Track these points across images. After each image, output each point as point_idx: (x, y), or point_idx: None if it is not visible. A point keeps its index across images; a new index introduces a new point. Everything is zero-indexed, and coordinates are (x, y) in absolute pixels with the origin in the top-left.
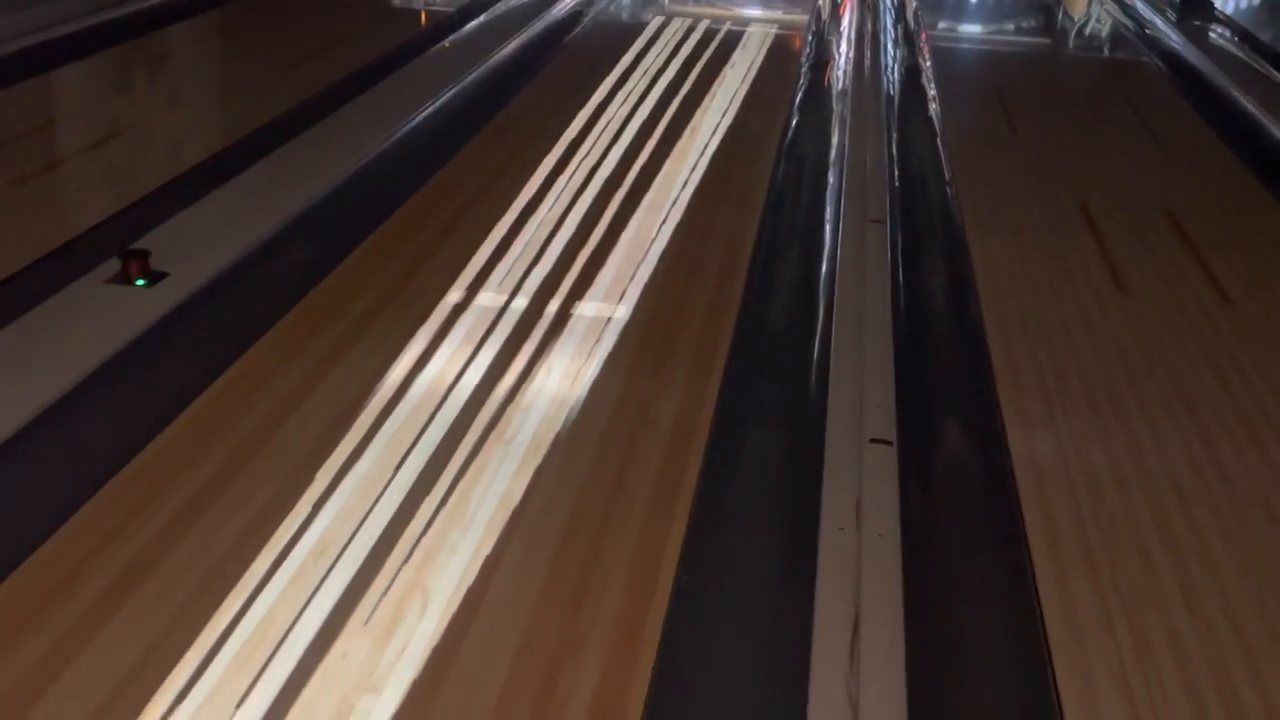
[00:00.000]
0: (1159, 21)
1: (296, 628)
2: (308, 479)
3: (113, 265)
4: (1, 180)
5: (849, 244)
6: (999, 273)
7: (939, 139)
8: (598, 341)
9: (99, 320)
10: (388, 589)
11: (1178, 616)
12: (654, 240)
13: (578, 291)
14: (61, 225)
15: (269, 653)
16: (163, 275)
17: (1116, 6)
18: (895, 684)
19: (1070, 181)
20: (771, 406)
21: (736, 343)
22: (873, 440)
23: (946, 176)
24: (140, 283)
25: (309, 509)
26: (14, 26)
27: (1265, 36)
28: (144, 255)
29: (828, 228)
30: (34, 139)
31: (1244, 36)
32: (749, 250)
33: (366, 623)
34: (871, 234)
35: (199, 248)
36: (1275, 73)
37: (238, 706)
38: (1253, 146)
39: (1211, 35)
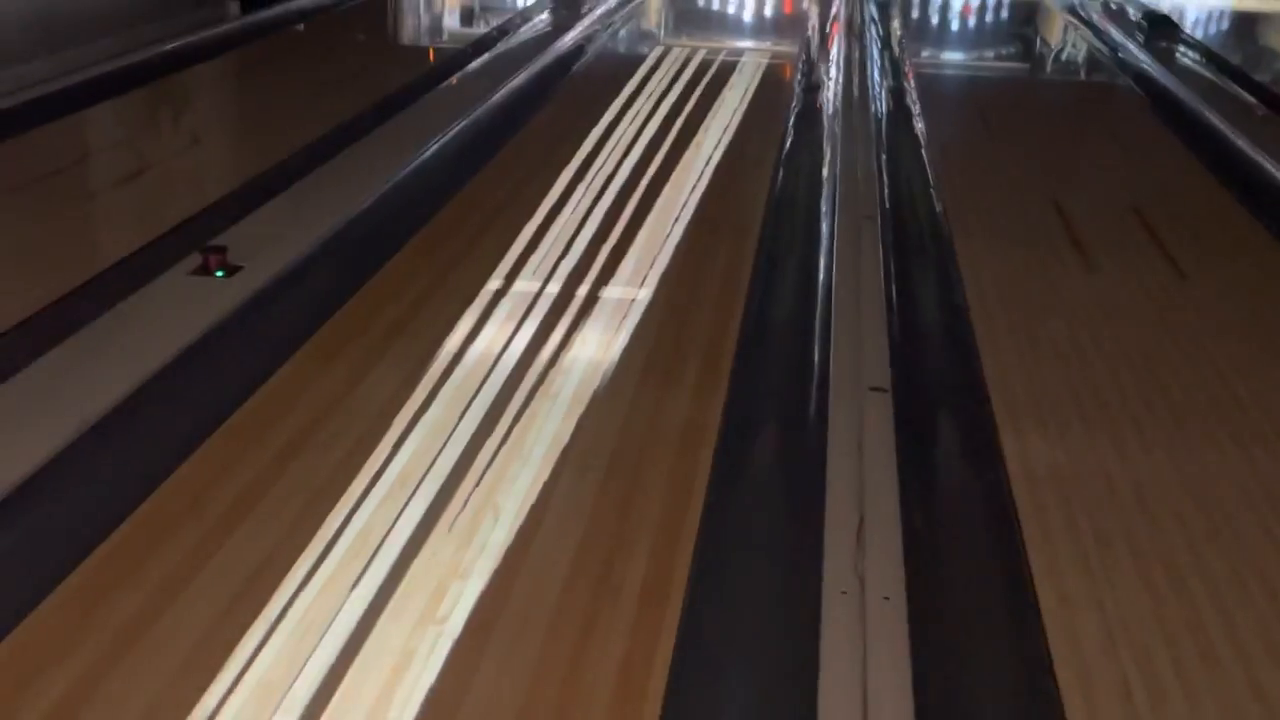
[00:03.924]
0: (1129, 44)
1: (391, 534)
2: (386, 424)
3: (194, 259)
4: (101, 183)
5: (844, 239)
6: (980, 259)
7: (923, 149)
8: (625, 317)
9: (186, 306)
10: (463, 507)
11: (1132, 518)
12: (669, 234)
13: (604, 278)
14: (149, 225)
15: (371, 552)
16: (238, 268)
17: (1089, 31)
18: None
19: (1045, 184)
20: (777, 362)
21: (747, 315)
22: (872, 389)
23: (931, 180)
24: (219, 274)
25: (390, 448)
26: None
27: (1225, 54)
28: (221, 250)
29: (824, 224)
30: (115, 153)
31: (1206, 55)
32: (756, 234)
33: (450, 530)
34: (865, 229)
35: (269, 245)
36: (1234, 86)
37: (352, 588)
38: (1212, 151)
39: (1177, 54)
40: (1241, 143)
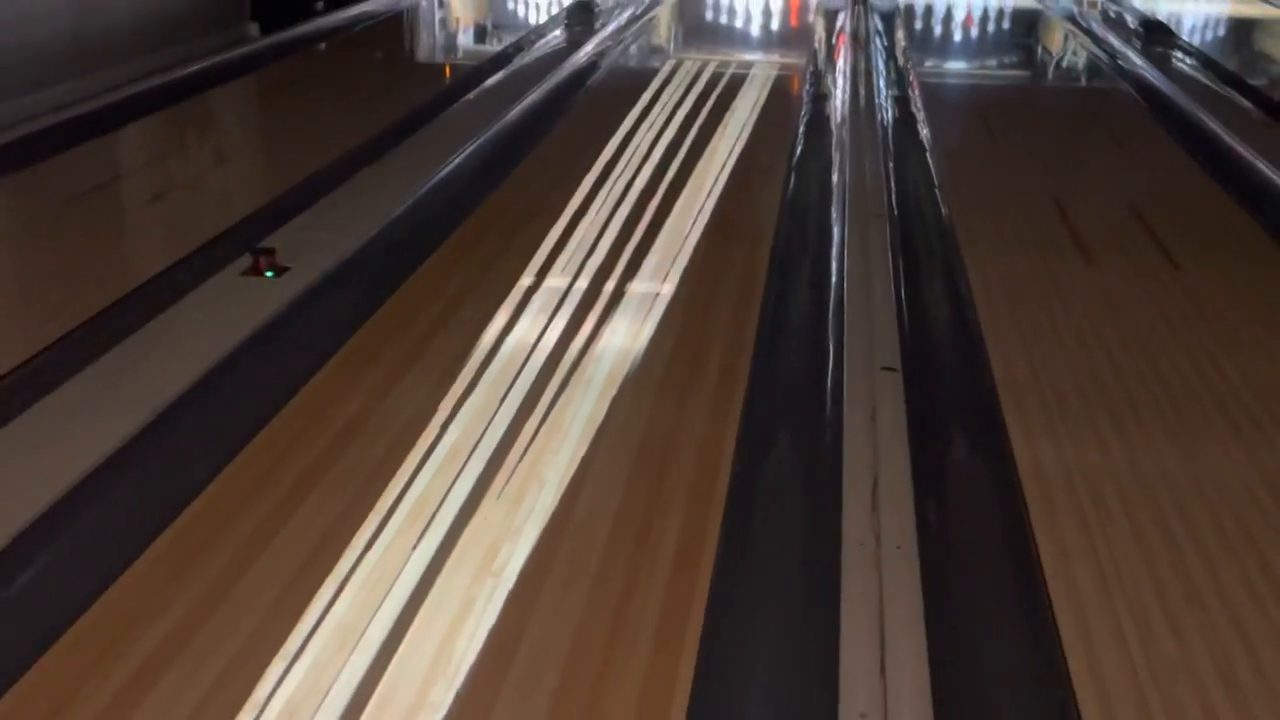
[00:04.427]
0: (1127, 49)
1: (446, 501)
2: (435, 406)
3: (245, 260)
4: (157, 192)
5: (854, 234)
6: (983, 251)
7: (928, 152)
8: (651, 309)
9: (241, 303)
10: (510, 478)
11: (1124, 479)
12: (689, 234)
13: (629, 274)
14: (201, 228)
15: (429, 517)
16: (286, 269)
17: (1089, 39)
18: None
19: (1045, 183)
20: (794, 350)
21: (765, 304)
22: (884, 369)
23: (936, 180)
24: (269, 274)
25: (439, 428)
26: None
27: (1218, 57)
28: (271, 252)
29: (834, 222)
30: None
31: (1200, 58)
32: (771, 232)
33: (499, 498)
34: (873, 226)
35: (316, 248)
36: (1225, 88)
37: (413, 549)
38: (1206, 149)
39: (1173, 58)
40: (1233, 142)
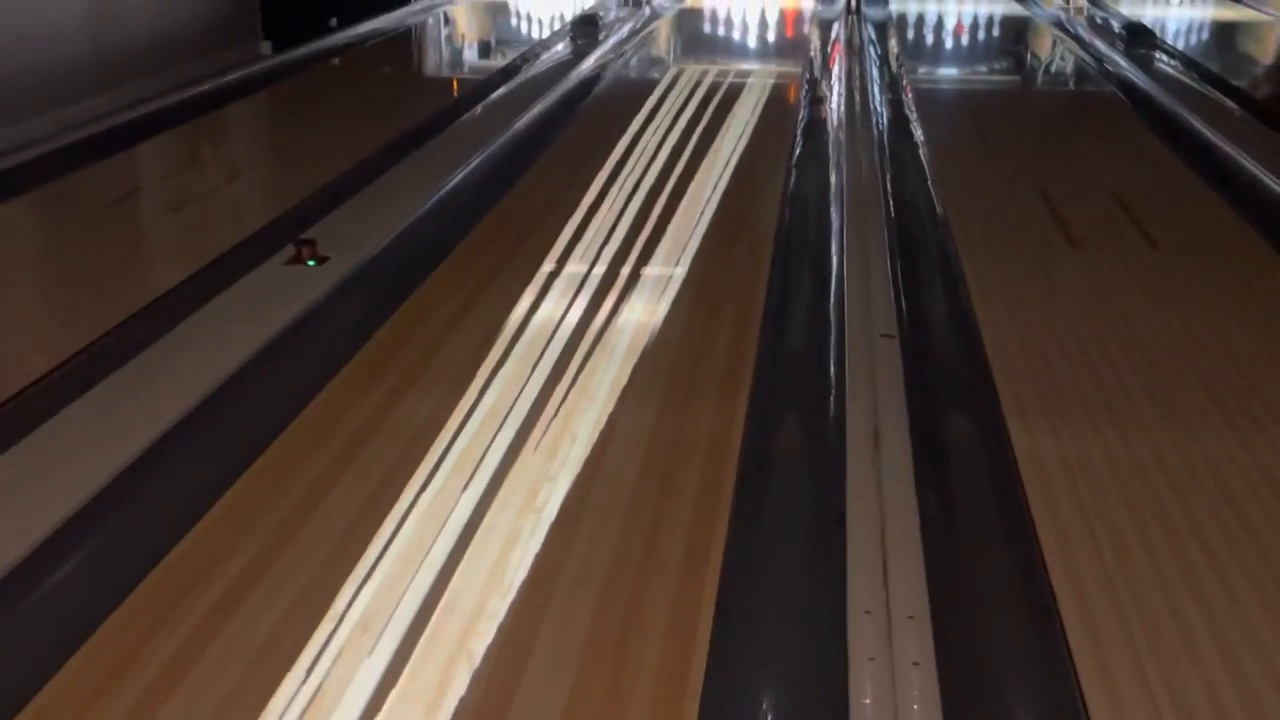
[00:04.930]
0: (1111, 52)
1: (488, 453)
2: (470, 375)
3: (288, 251)
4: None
5: (852, 224)
6: (973, 237)
7: (920, 149)
8: (664, 290)
9: (287, 289)
10: (545, 432)
11: (1105, 432)
12: (697, 223)
13: (644, 259)
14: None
15: (475, 463)
16: (325, 258)
17: (1075, 43)
18: None
19: (1031, 174)
20: (799, 325)
21: (771, 283)
22: (883, 336)
23: (928, 175)
24: (310, 263)
25: (477, 392)
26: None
27: (1197, 57)
28: (312, 243)
29: (833, 213)
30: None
31: (1180, 59)
32: (775, 220)
33: (535, 449)
34: (870, 215)
35: (352, 239)
36: (1202, 85)
37: (462, 490)
38: (1186, 143)
39: (1155, 60)
40: (1213, 136)
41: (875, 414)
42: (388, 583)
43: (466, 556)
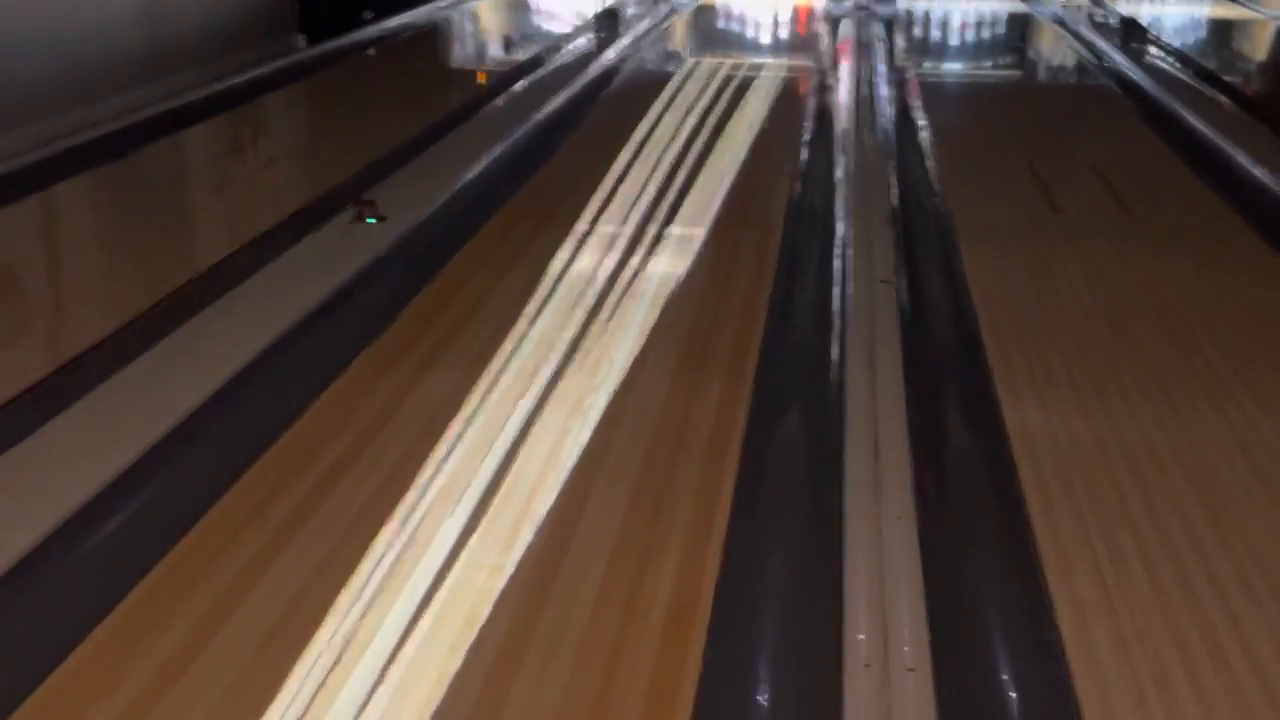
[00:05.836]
0: (1105, 46)
1: (536, 376)
2: (513, 321)
3: (351, 212)
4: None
5: (859, 198)
6: (968, 207)
7: (922, 133)
8: (690, 246)
9: (350, 244)
10: (587, 356)
11: (1076, 371)
12: (718, 192)
13: (669, 220)
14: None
15: (526, 385)
16: (384, 216)
17: (1073, 38)
18: None
19: (1021, 150)
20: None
21: (785, 238)
22: (882, 281)
23: (929, 152)
24: (370, 221)
25: (524, 329)
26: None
27: (1186, 50)
28: (371, 202)
29: (840, 189)
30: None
31: (1171, 51)
32: (786, 198)
33: (579, 369)
34: (876, 189)
35: (408, 201)
36: (1190, 75)
37: (517, 401)
38: (1170, 126)
39: (1146, 52)
40: (1195, 121)
41: (872, 359)
42: (457, 471)
43: (526, 443)
